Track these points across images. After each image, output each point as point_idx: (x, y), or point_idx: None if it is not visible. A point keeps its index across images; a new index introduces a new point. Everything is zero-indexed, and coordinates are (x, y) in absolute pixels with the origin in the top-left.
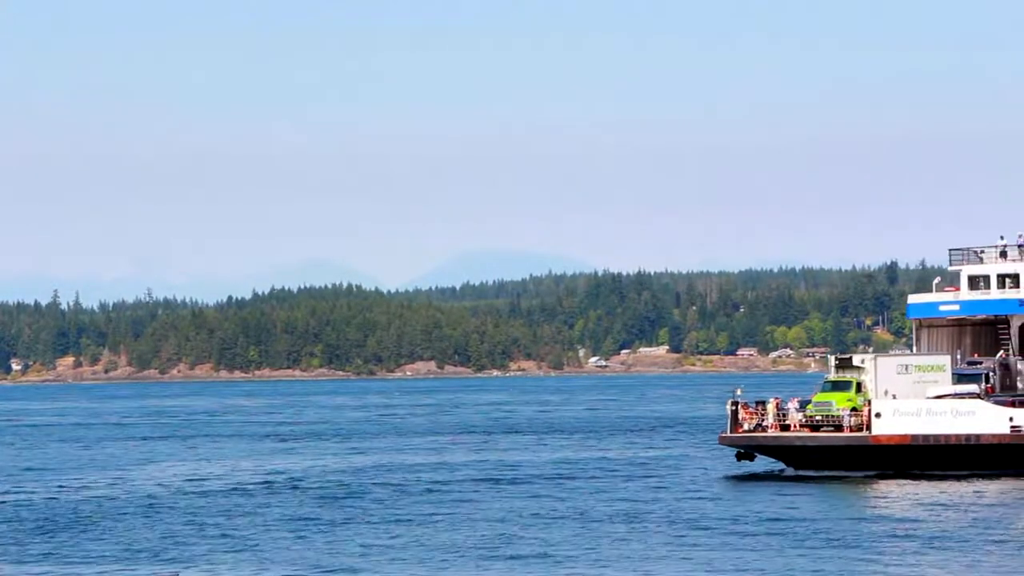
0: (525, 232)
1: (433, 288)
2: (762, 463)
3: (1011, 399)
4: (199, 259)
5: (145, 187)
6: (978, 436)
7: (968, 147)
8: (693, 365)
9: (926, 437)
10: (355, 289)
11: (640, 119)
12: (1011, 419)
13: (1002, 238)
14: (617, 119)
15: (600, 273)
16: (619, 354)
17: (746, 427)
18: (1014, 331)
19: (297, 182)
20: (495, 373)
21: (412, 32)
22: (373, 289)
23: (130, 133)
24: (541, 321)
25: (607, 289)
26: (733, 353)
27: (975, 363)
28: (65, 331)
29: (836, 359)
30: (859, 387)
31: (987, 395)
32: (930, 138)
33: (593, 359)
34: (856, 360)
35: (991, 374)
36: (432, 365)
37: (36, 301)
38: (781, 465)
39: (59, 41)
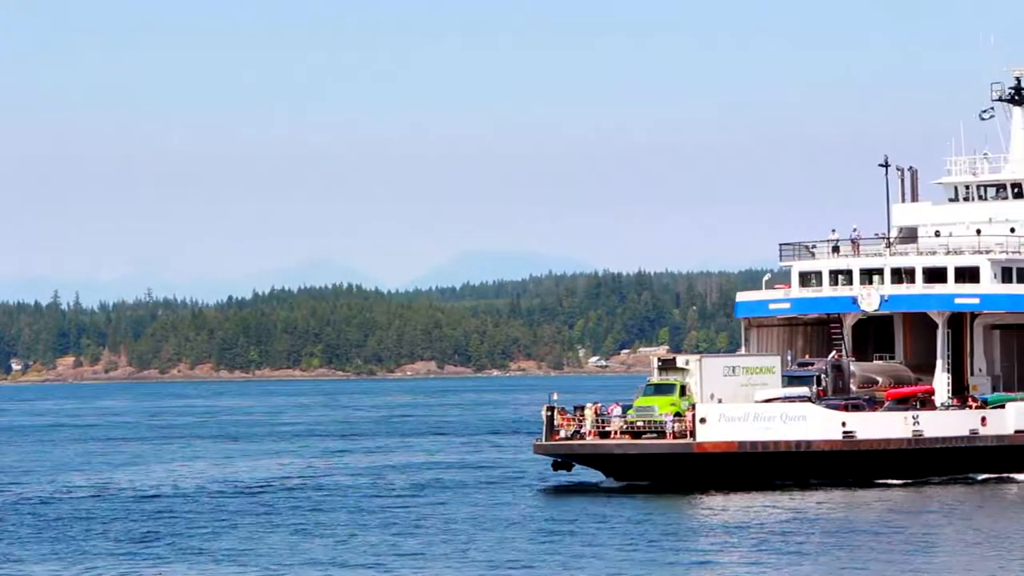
0: (525, 232)
1: (433, 288)
2: (586, 474)
3: (844, 403)
4: (199, 259)
5: (145, 187)
6: (809, 443)
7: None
8: None
9: (754, 444)
10: (355, 289)
11: (640, 119)
12: (844, 424)
13: (834, 231)
14: (617, 119)
15: (600, 273)
16: (619, 354)
17: (563, 434)
18: (847, 330)
19: (297, 182)
20: (495, 373)
21: (412, 32)
22: (373, 289)
23: (129, 133)
24: (541, 321)
25: (607, 289)
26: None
27: (806, 364)
28: (65, 331)
29: (659, 360)
30: (683, 390)
31: (819, 398)
32: (926, 137)
33: (593, 359)
34: (680, 361)
35: (823, 376)
36: (432, 365)
37: (36, 301)
38: (600, 475)
39: (59, 41)
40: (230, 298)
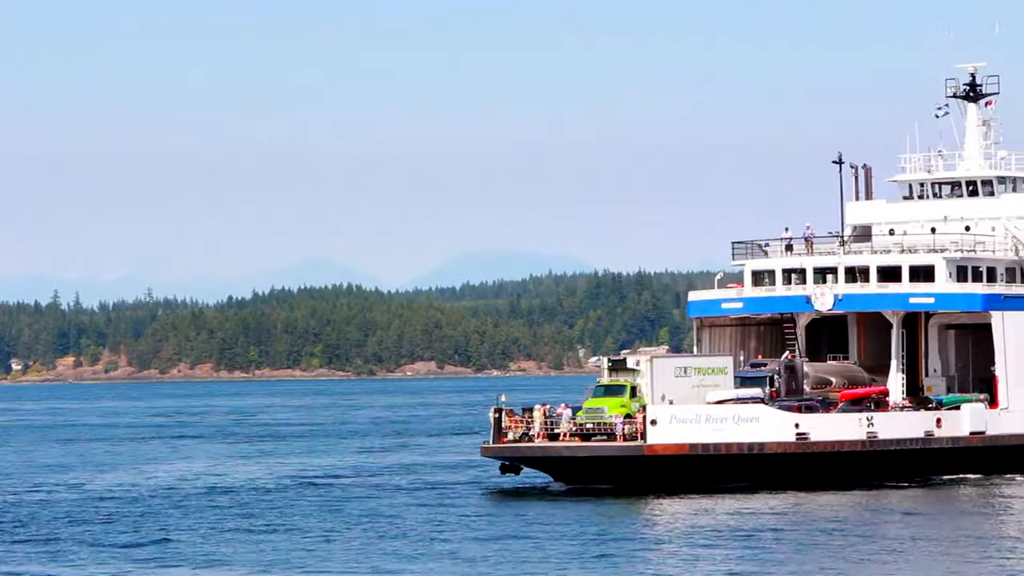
0: (525, 232)
1: (433, 288)
2: (535, 477)
3: (797, 404)
4: (199, 259)
5: (145, 187)
6: (762, 445)
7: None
8: None
9: (705, 446)
10: (355, 289)
11: (639, 119)
12: (797, 426)
13: (787, 230)
14: (616, 119)
15: (600, 273)
16: (619, 354)
17: (511, 437)
18: (800, 331)
19: (297, 182)
20: (495, 373)
21: (412, 32)
22: (373, 289)
23: (130, 133)
24: (541, 321)
25: (607, 289)
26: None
27: (759, 365)
28: (65, 331)
29: (609, 360)
30: (634, 391)
31: (772, 400)
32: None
33: (593, 359)
34: (631, 362)
35: (776, 377)
36: (432, 365)
37: (36, 301)
38: (549, 478)
39: (59, 41)
40: (230, 298)
